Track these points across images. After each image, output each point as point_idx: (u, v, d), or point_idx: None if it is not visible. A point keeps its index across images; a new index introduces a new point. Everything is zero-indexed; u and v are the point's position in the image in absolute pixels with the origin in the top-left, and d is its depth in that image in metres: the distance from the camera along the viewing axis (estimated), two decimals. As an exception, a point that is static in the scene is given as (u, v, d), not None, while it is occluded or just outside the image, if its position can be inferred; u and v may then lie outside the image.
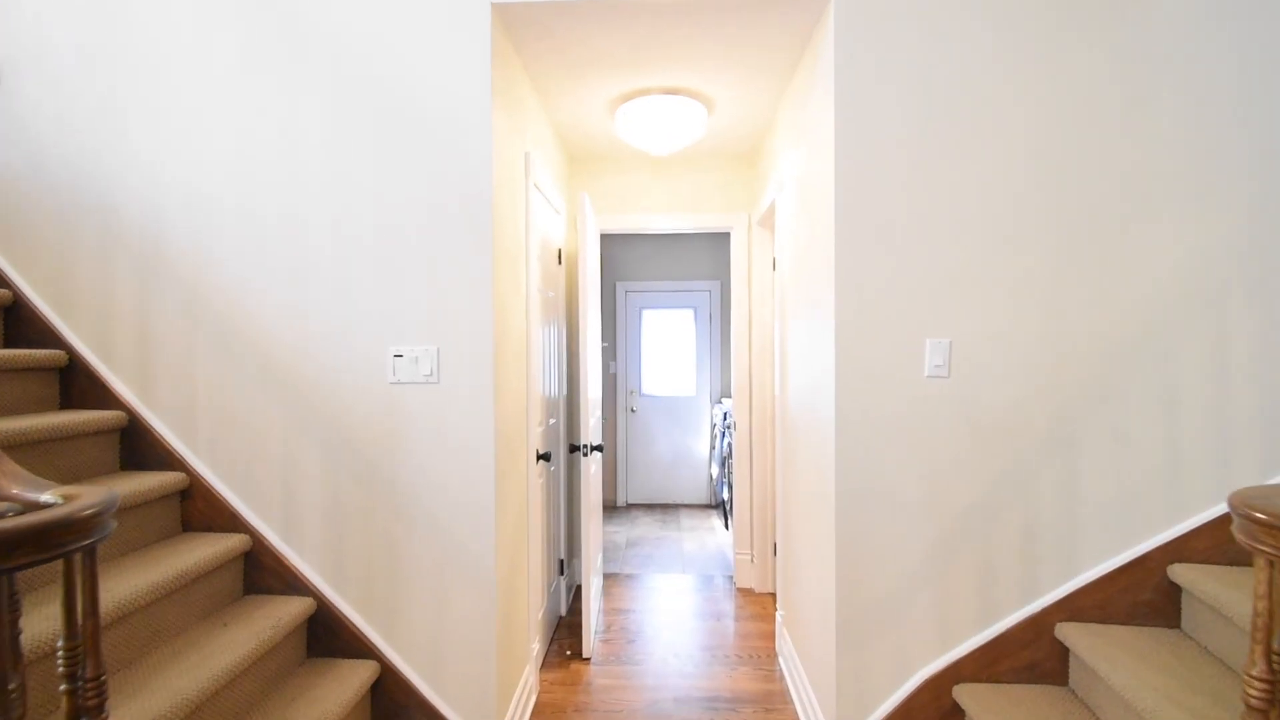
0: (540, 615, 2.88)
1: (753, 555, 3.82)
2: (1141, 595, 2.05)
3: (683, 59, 2.55)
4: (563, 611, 3.47)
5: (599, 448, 3.03)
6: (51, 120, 2.17)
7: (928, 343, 2.04)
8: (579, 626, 3.32)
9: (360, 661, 2.14)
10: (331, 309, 2.12)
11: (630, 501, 6.20)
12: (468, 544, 2.12)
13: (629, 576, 4.07)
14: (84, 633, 0.96)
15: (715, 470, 5.77)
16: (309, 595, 2.16)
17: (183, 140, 2.14)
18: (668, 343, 6.27)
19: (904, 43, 2.03)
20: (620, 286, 6.17)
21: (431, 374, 2.09)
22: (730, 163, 3.84)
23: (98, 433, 2.10)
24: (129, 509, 1.99)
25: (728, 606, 3.57)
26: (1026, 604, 2.09)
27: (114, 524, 0.96)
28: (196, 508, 2.18)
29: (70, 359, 2.17)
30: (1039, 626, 2.08)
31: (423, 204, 2.09)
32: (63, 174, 2.17)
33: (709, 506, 6.10)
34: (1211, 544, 2.01)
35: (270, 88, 2.12)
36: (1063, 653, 2.07)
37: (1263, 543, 1.03)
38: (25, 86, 2.18)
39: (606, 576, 4.07)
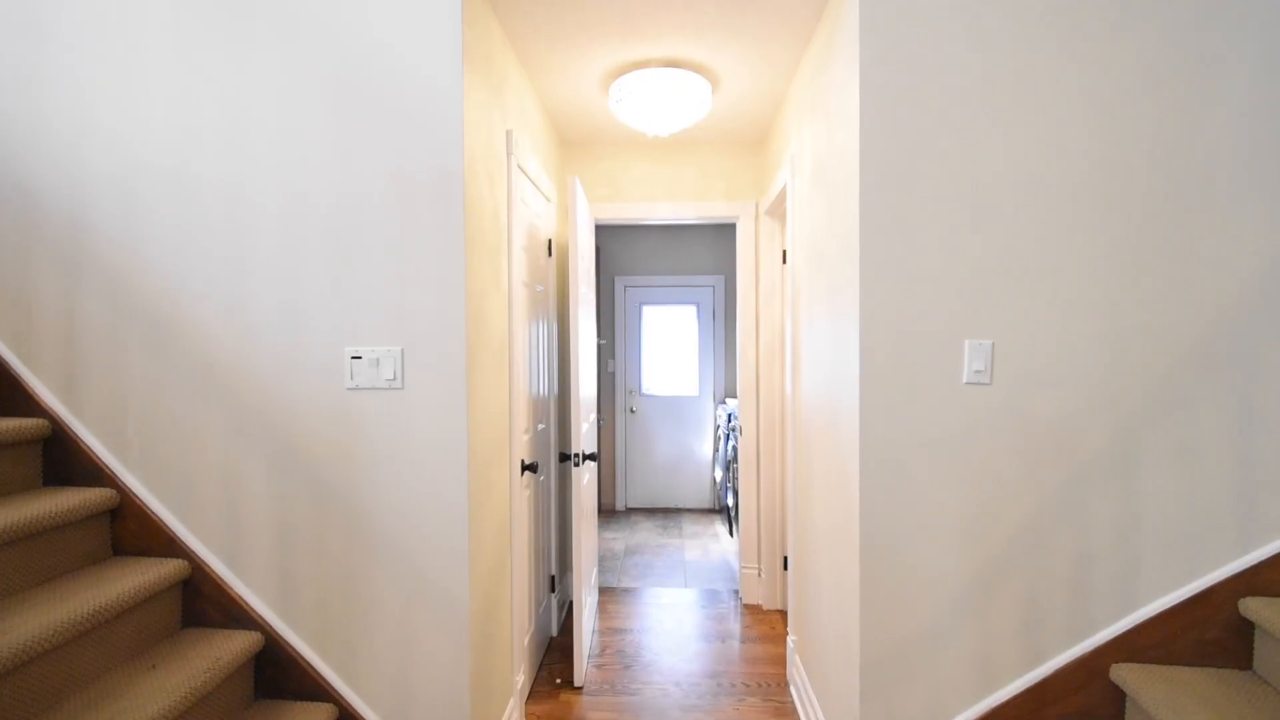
0: (527, 641, 2.62)
1: (760, 569, 3.55)
2: (1208, 633, 1.78)
3: (684, 26, 2.27)
4: (554, 631, 3.20)
5: (592, 456, 2.76)
6: (-37, 87, 1.90)
7: (967, 344, 1.77)
8: (572, 648, 3.05)
9: (315, 704, 1.88)
10: (280, 302, 1.85)
11: (630, 506, 5.94)
12: (436, 573, 1.85)
13: (626, 591, 3.80)
14: None
15: (718, 474, 5.50)
16: (256, 629, 1.89)
17: (111, 112, 1.87)
18: (669, 340, 6.00)
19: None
20: (619, 281, 5.90)
21: (394, 378, 1.82)
22: (736, 147, 3.55)
23: (16, 444, 1.84)
24: (45, 532, 1.72)
25: (734, 626, 3.30)
26: (1078, 642, 1.82)
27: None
28: (129, 529, 1.91)
29: (-16, 360, 1.90)
30: (1092, 668, 1.81)
31: (385, 182, 1.82)
32: (-24, 149, 1.90)
33: (711, 511, 5.83)
34: (1298, 578, 1.74)
35: (212, 49, 1.84)
36: (1118, 697, 1.80)
37: None
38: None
39: (603, 590, 3.80)
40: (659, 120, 2.67)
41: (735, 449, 4.61)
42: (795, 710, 2.56)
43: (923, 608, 1.82)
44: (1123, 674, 1.77)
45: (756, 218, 3.51)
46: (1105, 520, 1.79)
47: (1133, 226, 1.75)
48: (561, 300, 3.38)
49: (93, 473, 1.91)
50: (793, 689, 2.69)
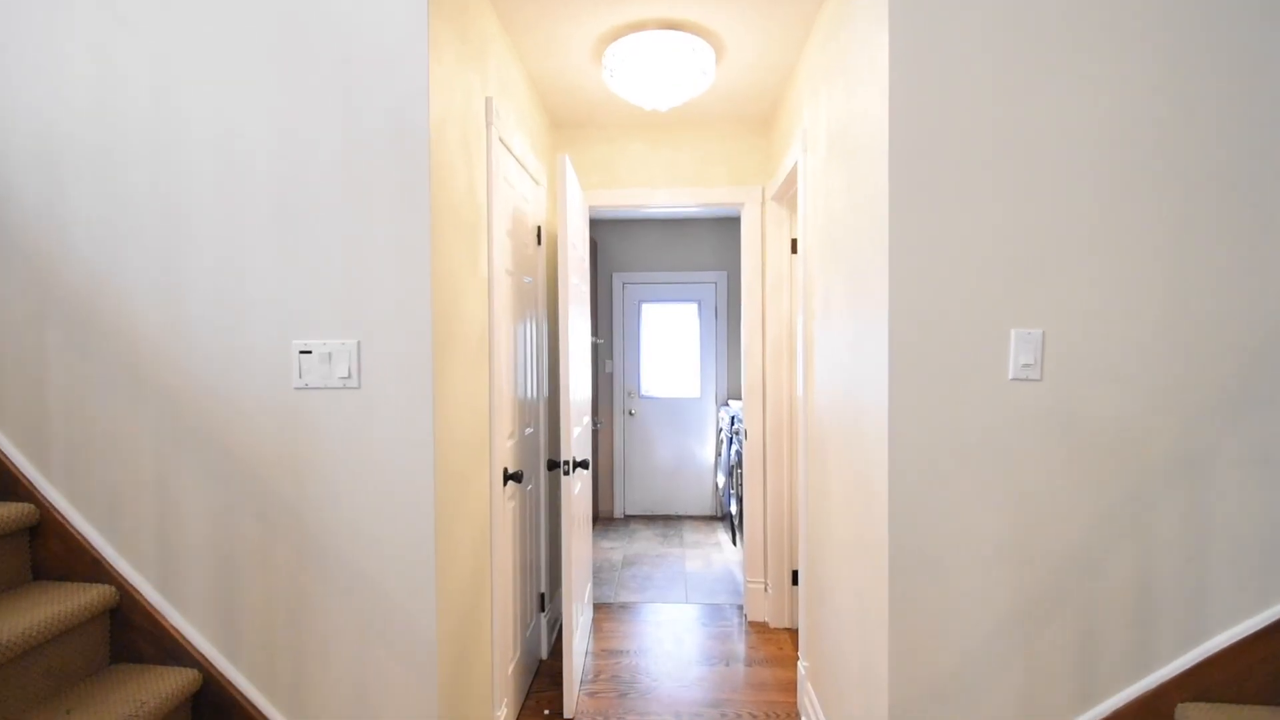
0: (511, 668, 2.37)
1: (767, 584, 3.30)
2: (1290, 667, 1.54)
3: (684, -20, 2.03)
4: (544, 654, 2.95)
5: (584, 464, 2.52)
6: None
7: (1013, 334, 1.52)
8: (562, 672, 2.80)
9: (261, 752, 1.63)
10: (218, 290, 1.60)
11: (628, 513, 5.69)
12: (400, 601, 1.61)
13: (623, 607, 3.55)
14: None
15: (721, 479, 5.25)
16: (194, 665, 1.65)
17: (22, 72, 1.63)
18: (669, 340, 5.76)
19: (981, -71, 1.51)
20: (617, 278, 5.66)
21: (349, 376, 1.58)
22: (740, 129, 3.31)
23: (-82, 453, 1.60)
24: (-59, 557, 1.48)
25: (739, 647, 3.05)
26: (1138, 679, 1.57)
27: None
28: (50, 550, 1.67)
29: (-118, 356, 1.66)
30: (1154, 708, 1.56)
31: (338, 145, 1.57)
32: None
33: (714, 518, 5.58)
34: (1404, 607, 1.50)
35: (139, -2, 1.61)
36: (1185, 743, 1.56)
37: None
38: None
39: (598, 606, 3.55)
40: (657, 92, 2.43)
41: (739, 454, 4.37)
42: (808, 744, 2.31)
43: (961, 638, 1.57)
44: (1189, 714, 1.53)
45: (763, 204, 3.27)
46: (1170, 538, 1.55)
47: (1205, 201, 1.51)
48: (552, 294, 3.14)
49: (8, 485, 1.67)
50: None
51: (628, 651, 3.00)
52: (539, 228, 2.89)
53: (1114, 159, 1.51)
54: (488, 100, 2.05)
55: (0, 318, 1.66)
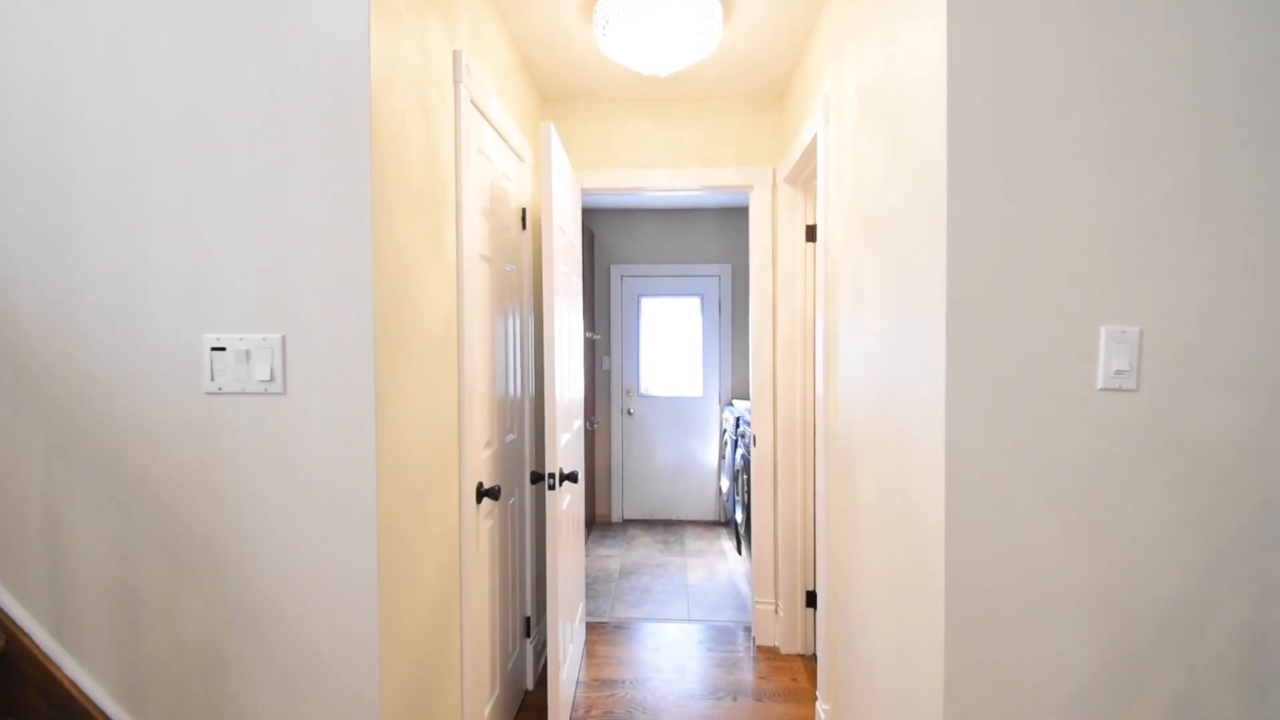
0: (489, 708, 2.07)
1: (777, 605, 2.99)
2: None
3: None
4: (529, 684, 2.65)
5: (572, 476, 2.21)
6: None
7: (1104, 333, 1.21)
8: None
9: (170, 837, 1.33)
10: (113, 273, 1.30)
11: (627, 517, 5.39)
12: (333, 658, 1.30)
13: (619, 627, 3.25)
14: None
15: (725, 484, 4.95)
16: (88, 730, 1.35)
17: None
18: (670, 335, 5.45)
19: None
20: (615, 271, 5.35)
21: (271, 379, 1.27)
22: (749, 104, 3.00)
23: None
24: None
25: (747, 676, 2.74)
26: (1247, 757, 1.27)
27: None
28: (-85, 589, 1.37)
29: None
30: (1265, 792, 1.26)
31: (259, 96, 1.26)
32: None
33: (717, 524, 5.28)
34: None
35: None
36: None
37: None
38: None
39: (592, 627, 3.25)
40: (655, 53, 2.11)
41: (745, 457, 4.06)
42: (828, 801, 2.01)
43: (1035, 705, 1.26)
44: (1311, 801, 1.22)
45: (774, 186, 2.95)
46: (1295, 585, 1.24)
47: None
48: (539, 284, 2.82)
49: None
50: (823, 768, 2.15)
51: (623, 681, 2.70)
52: (524, 210, 2.58)
53: (1236, 120, 1.20)
54: (456, 54, 1.74)
55: None
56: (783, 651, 2.93)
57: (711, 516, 5.37)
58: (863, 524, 1.77)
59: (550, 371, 2.07)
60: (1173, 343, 1.22)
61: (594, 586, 3.86)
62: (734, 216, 5.28)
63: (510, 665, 2.36)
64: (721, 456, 5.21)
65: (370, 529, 1.28)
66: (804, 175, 2.71)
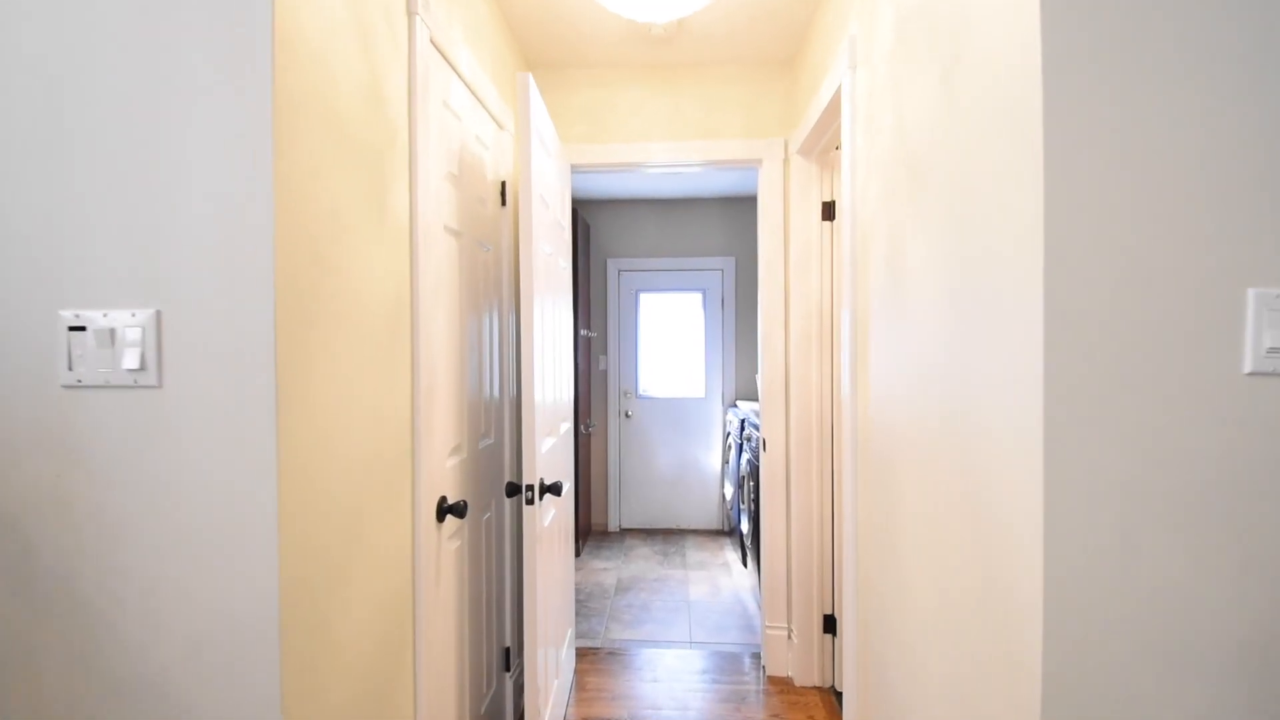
0: (459, 761, 1.76)
1: (791, 629, 2.68)
2: None
3: None
4: (512, 721, 2.34)
5: (554, 488, 1.90)
6: None
7: (1252, 297, 0.90)
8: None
9: None
10: (-61, 227, 0.99)
11: (624, 526, 5.07)
12: (230, 732, 0.99)
13: (613, 654, 2.94)
14: None
15: (729, 490, 4.63)
16: (-85, 827, 1.04)
17: None
18: (671, 333, 5.14)
19: None
20: (612, 265, 5.05)
21: (143, 368, 0.96)
22: (757, 69, 2.69)
23: None
24: None
25: (757, 715, 2.42)
26: None
27: None
28: None
29: None
30: None
31: (125, -4, 0.96)
32: None
33: (720, 533, 4.97)
34: None
35: None
36: None
37: None
38: None
39: (584, 654, 2.93)
40: (653, -6, 1.81)
41: (751, 463, 3.75)
42: None
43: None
44: None
45: (785, 160, 2.65)
46: None
47: None
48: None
49: None
50: (851, 828, 1.83)
51: (617, 719, 2.39)
52: (504, 184, 2.28)
53: None
54: (411, -24, 1.44)
55: None
56: (797, 684, 2.61)
57: (714, 525, 5.05)
58: (905, 540, 1.47)
59: (530, 364, 1.76)
60: (1344, 312, 0.91)
61: (587, 604, 3.55)
62: (737, 206, 4.98)
63: (485, 706, 2.04)
64: (725, 461, 4.90)
65: (268, 558, 0.97)
66: (821, 144, 2.41)
